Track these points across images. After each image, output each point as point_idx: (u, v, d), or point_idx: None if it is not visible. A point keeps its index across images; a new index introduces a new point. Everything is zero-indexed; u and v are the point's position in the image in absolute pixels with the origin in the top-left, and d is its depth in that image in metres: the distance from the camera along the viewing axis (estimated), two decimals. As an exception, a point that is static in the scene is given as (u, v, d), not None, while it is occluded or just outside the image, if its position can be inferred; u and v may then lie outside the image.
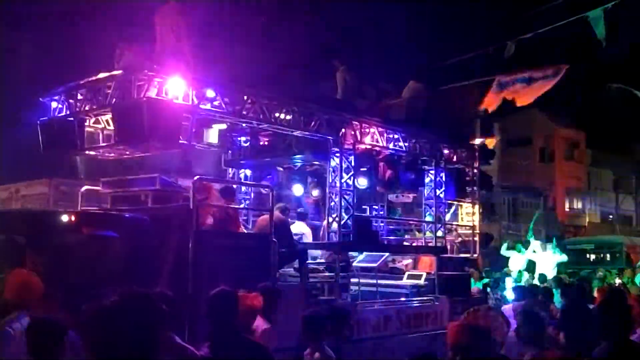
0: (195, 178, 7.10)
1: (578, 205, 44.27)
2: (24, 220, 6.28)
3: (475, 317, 6.15)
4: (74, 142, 7.77)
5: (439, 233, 10.27)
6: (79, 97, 7.67)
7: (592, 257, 20.59)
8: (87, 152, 8.28)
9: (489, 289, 12.38)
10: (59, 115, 7.89)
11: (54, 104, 7.99)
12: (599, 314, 3.83)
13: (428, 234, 10.44)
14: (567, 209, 43.16)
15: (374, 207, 11.71)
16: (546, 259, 14.32)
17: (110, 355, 2.19)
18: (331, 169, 8.75)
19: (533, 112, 41.84)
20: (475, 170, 11.18)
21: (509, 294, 11.21)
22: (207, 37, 8.39)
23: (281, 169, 10.45)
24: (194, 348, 4.10)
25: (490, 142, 12.32)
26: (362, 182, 9.59)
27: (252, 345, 4.12)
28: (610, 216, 44.54)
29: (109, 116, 7.65)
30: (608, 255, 20.46)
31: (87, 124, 8.03)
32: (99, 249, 5.78)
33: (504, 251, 14.39)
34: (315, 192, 10.55)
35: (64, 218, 5.90)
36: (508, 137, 40.70)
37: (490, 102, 12.69)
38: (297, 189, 10.82)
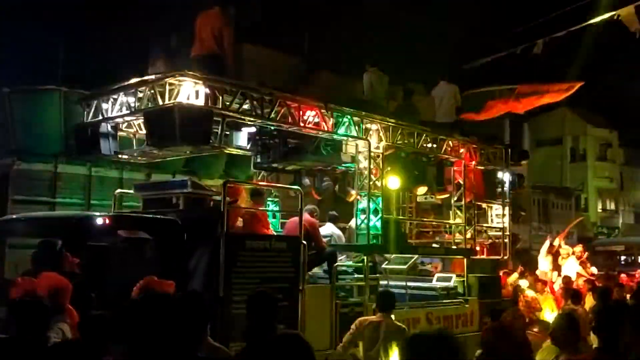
0: (225, 181, 7.19)
1: (611, 206, 43.41)
2: (61, 224, 6.43)
3: (506, 320, 6.12)
4: (107, 147, 7.94)
5: (469, 235, 10.19)
6: (112, 102, 7.83)
7: (622, 258, 20.12)
8: (120, 156, 8.44)
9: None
10: (93, 120, 8.06)
11: (87, 109, 8.17)
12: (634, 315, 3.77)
13: (457, 235, 10.37)
14: (599, 210, 42.36)
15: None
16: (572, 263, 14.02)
17: (148, 349, 2.25)
18: (359, 170, 8.76)
19: (563, 111, 41.23)
20: (505, 171, 11.07)
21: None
22: (237, 39, 8.48)
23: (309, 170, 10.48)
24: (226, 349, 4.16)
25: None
26: (391, 184, 9.56)
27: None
28: (645, 217, 43.58)
29: (141, 120, 7.79)
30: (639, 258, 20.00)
31: (120, 128, 8.20)
32: (132, 251, 5.90)
33: (543, 253, 14.06)
34: (346, 194, 10.54)
35: (99, 221, 6.03)
36: (538, 137, 40.14)
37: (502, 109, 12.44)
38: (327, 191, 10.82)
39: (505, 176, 11.11)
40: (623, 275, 14.06)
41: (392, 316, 6.32)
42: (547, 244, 13.94)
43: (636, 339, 3.53)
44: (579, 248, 13.92)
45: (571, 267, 13.56)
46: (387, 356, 5.22)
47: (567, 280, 12.03)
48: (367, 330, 6.28)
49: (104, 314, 3.76)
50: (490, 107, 11.81)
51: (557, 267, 13.70)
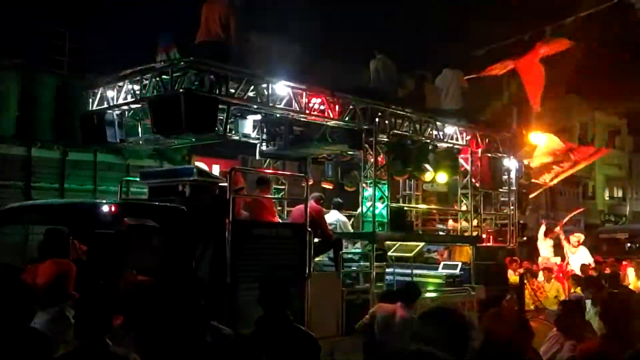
0: (231, 168, 7.19)
1: (619, 193, 43.16)
2: (68, 211, 6.46)
3: (506, 307, 6.14)
4: (113, 134, 7.95)
5: (475, 222, 10.18)
6: (117, 89, 7.83)
7: (627, 246, 20.00)
8: (125, 143, 8.46)
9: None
10: (98, 108, 8.07)
11: (92, 97, 8.18)
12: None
13: (464, 223, 10.35)
14: (607, 198, 42.15)
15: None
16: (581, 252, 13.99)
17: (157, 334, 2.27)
18: (365, 158, 8.74)
19: (571, 98, 40.88)
20: (512, 159, 11.01)
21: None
22: (243, 26, 8.45)
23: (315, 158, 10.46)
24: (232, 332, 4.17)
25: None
26: (398, 171, 9.54)
27: (299, 332, 4.20)
28: (653, 205, 43.33)
29: (146, 108, 7.79)
30: None
31: (125, 116, 8.21)
32: (139, 239, 5.91)
33: (541, 236, 14.07)
34: (350, 182, 10.53)
35: (106, 208, 6.05)
36: (545, 124, 39.84)
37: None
38: (333, 179, 10.82)
39: (512, 164, 11.05)
40: (625, 263, 14.01)
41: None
42: (543, 228, 13.94)
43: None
44: (575, 238, 13.84)
45: (584, 255, 13.56)
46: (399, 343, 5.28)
47: (584, 269, 12.00)
48: (381, 316, 6.37)
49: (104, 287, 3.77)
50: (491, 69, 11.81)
51: (559, 253, 13.69)
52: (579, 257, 13.43)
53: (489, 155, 10.64)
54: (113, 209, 6.09)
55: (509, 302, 6.86)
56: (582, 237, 13.98)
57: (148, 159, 12.61)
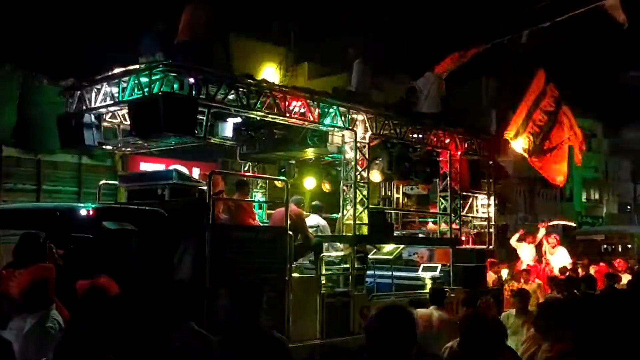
0: (211, 171, 7.17)
1: (595, 195, 43.80)
2: (44, 215, 6.37)
3: (481, 308, 6.21)
4: (91, 138, 7.87)
5: (454, 225, 10.25)
6: (95, 92, 7.75)
7: (603, 247, 20.28)
8: (104, 147, 8.37)
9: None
10: (76, 110, 7.98)
11: (70, 100, 8.08)
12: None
13: (443, 225, 10.43)
14: (584, 200, 42.75)
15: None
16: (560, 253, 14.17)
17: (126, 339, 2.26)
18: (345, 161, 8.76)
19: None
20: (490, 162, 11.12)
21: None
22: (224, 29, 8.43)
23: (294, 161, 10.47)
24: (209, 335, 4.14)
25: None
26: (377, 175, 9.58)
27: (270, 338, 4.14)
28: (629, 207, 44.03)
29: (125, 111, 7.73)
30: (620, 247, 20.17)
31: (103, 118, 8.13)
32: (117, 243, 5.86)
33: (513, 242, 14.28)
34: (330, 185, 10.55)
35: (83, 212, 5.98)
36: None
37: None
38: (312, 182, 10.84)
39: (491, 166, 11.16)
40: (602, 264, 14.22)
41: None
42: (516, 235, 14.09)
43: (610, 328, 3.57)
44: (552, 239, 14.03)
45: (563, 256, 13.73)
46: (440, 343, 5.40)
47: (563, 270, 12.15)
48: (421, 320, 6.50)
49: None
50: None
51: (541, 256, 13.84)
52: (557, 258, 13.60)
53: (468, 157, 10.74)
54: (91, 212, 6.03)
55: (484, 303, 6.94)
56: (556, 238, 14.18)
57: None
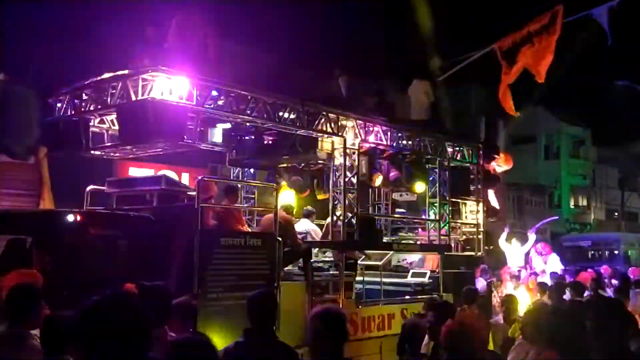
0: (199, 178, 7.14)
1: (583, 202, 44.14)
2: (31, 220, 6.33)
3: (464, 317, 6.16)
4: (79, 143, 7.81)
5: (443, 231, 10.28)
6: (84, 97, 7.71)
7: (590, 254, 20.41)
8: (92, 152, 8.32)
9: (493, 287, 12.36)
10: (64, 115, 7.94)
11: (59, 105, 8.03)
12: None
13: (432, 232, 10.45)
14: (572, 206, 43.05)
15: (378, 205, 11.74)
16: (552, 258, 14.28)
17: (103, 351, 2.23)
18: (335, 167, 8.77)
19: (538, 110, 41.70)
20: (479, 168, 11.17)
21: (510, 291, 11.19)
22: (213, 36, 8.41)
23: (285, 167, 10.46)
24: None
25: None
26: (379, 180, 9.60)
27: (282, 345, 4.25)
28: (616, 213, 44.38)
29: (114, 116, 7.69)
30: (607, 253, 20.30)
31: (92, 124, 8.08)
32: (104, 248, 5.83)
33: (501, 242, 14.32)
34: (320, 191, 10.55)
35: (70, 218, 5.94)
36: (513, 134, 40.60)
37: (507, 81, 12.00)
38: (302, 188, 10.82)
39: (479, 173, 11.21)
40: (590, 270, 14.34)
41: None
42: (504, 235, 14.15)
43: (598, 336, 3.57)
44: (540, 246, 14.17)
45: (555, 263, 13.83)
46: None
47: (556, 276, 12.22)
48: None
49: (64, 315, 3.70)
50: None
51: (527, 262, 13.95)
52: (550, 264, 13.72)
53: (457, 164, 10.78)
54: (78, 218, 6.00)
55: (463, 312, 6.87)
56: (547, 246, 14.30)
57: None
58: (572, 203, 43.21)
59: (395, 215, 11.92)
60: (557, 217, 24.93)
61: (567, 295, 9.10)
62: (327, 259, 9.02)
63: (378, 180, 9.64)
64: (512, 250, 13.97)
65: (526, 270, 13.60)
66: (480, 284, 11.31)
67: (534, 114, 40.85)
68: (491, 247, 13.09)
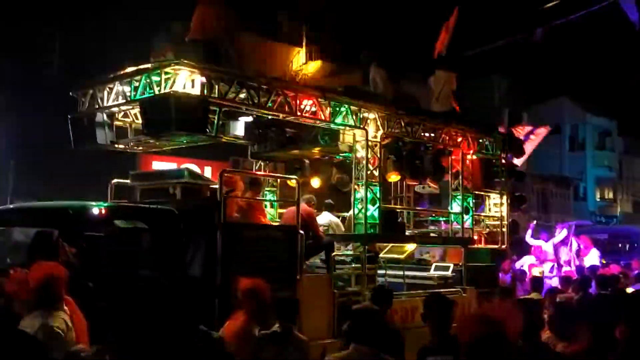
0: (222, 170, 7.17)
1: (609, 195, 43.43)
2: (57, 214, 6.41)
3: (489, 309, 6.05)
4: (103, 137, 7.90)
5: (467, 224, 10.19)
6: (107, 91, 7.78)
7: (609, 248, 19.96)
8: (116, 145, 8.41)
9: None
10: (89, 109, 8.02)
11: (83, 99, 8.12)
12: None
13: (455, 225, 10.36)
14: (597, 199, 42.39)
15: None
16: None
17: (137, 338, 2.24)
18: (357, 160, 8.73)
19: (563, 100, 41.12)
20: (503, 160, 11.03)
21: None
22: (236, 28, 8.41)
23: (308, 160, 10.45)
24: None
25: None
26: (394, 175, 9.54)
27: (299, 339, 4.80)
28: (643, 206, 43.62)
29: (137, 110, 7.75)
30: (627, 246, 19.86)
31: (116, 117, 8.16)
32: (129, 241, 5.88)
33: (528, 238, 14.16)
34: (342, 183, 10.51)
35: (96, 211, 6.01)
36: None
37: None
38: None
39: (503, 165, 11.07)
40: (613, 265, 14.13)
41: None
42: (529, 231, 14.04)
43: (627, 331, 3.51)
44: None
45: (594, 257, 13.74)
46: None
47: (593, 269, 12.07)
48: None
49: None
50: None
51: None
52: (589, 258, 13.66)
53: (480, 156, 10.66)
54: (103, 211, 6.06)
55: (486, 305, 6.75)
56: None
57: None
58: (597, 195, 42.55)
59: (418, 208, 11.83)
60: (590, 222, 24.57)
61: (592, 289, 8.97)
62: (348, 251, 9.00)
63: (394, 176, 9.56)
64: (540, 245, 13.86)
65: (554, 265, 13.45)
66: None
67: (559, 105, 40.32)
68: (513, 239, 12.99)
